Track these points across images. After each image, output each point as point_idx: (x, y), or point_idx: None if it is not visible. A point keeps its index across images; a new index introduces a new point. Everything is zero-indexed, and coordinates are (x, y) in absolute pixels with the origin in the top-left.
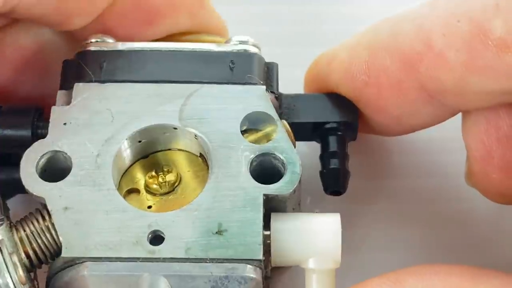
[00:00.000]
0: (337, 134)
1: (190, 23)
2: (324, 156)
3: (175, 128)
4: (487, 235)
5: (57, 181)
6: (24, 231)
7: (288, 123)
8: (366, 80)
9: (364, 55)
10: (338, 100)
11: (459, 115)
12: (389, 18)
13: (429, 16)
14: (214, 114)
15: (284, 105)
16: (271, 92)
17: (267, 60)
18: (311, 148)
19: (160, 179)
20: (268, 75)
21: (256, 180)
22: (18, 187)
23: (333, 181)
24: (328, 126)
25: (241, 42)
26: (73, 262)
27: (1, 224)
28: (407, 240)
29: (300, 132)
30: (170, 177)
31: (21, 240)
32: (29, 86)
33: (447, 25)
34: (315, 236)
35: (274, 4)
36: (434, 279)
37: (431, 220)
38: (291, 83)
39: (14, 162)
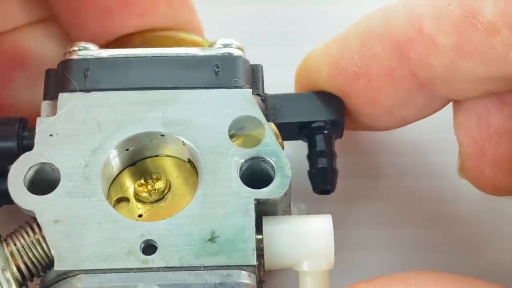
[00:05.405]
0: (323, 133)
1: (169, 19)
2: (312, 156)
3: (163, 135)
4: (481, 236)
5: (46, 193)
6: (15, 245)
7: (275, 124)
8: (357, 71)
9: (354, 46)
10: (323, 98)
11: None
12: (380, 8)
13: (420, 1)
14: (201, 120)
15: (269, 105)
16: (257, 94)
17: (253, 61)
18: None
19: (149, 187)
20: (254, 77)
21: (246, 185)
22: (4, 198)
23: (322, 180)
24: (314, 125)
25: (225, 45)
26: (66, 275)
27: None
28: (400, 241)
29: (286, 132)
30: (159, 185)
31: (12, 254)
32: (21, 87)
33: (438, 9)
34: (307, 238)
35: (260, 4)
36: None
37: (424, 220)
38: (277, 84)
39: None
